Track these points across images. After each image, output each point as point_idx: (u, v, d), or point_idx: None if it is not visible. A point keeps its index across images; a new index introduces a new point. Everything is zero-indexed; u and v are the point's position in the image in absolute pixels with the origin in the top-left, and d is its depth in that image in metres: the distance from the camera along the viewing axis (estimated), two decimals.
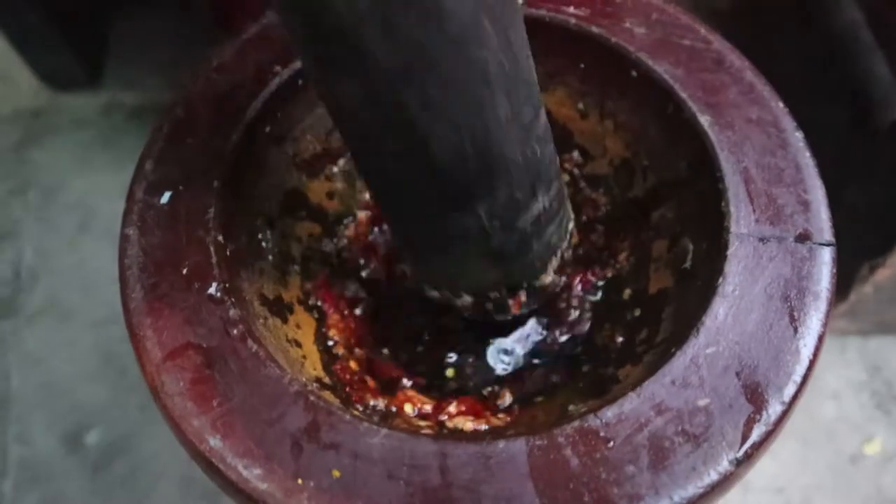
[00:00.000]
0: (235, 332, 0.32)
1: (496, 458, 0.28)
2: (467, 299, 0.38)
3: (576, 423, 0.29)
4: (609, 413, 0.30)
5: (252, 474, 0.28)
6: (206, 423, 0.29)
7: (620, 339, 0.42)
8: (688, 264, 0.39)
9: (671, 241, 0.41)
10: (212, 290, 0.33)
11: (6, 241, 0.81)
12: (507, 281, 0.38)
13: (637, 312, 0.42)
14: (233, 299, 0.33)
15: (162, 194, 0.36)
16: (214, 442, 0.29)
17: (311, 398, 0.30)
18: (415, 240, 0.37)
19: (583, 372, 0.42)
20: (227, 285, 0.33)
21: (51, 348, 0.77)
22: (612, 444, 0.29)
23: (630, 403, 0.30)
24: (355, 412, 0.35)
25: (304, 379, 0.36)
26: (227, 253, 0.35)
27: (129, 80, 0.85)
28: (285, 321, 0.40)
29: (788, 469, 0.64)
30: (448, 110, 0.27)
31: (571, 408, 0.39)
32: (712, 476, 0.28)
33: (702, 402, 0.30)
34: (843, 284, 0.57)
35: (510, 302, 0.39)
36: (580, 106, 0.45)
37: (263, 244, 0.40)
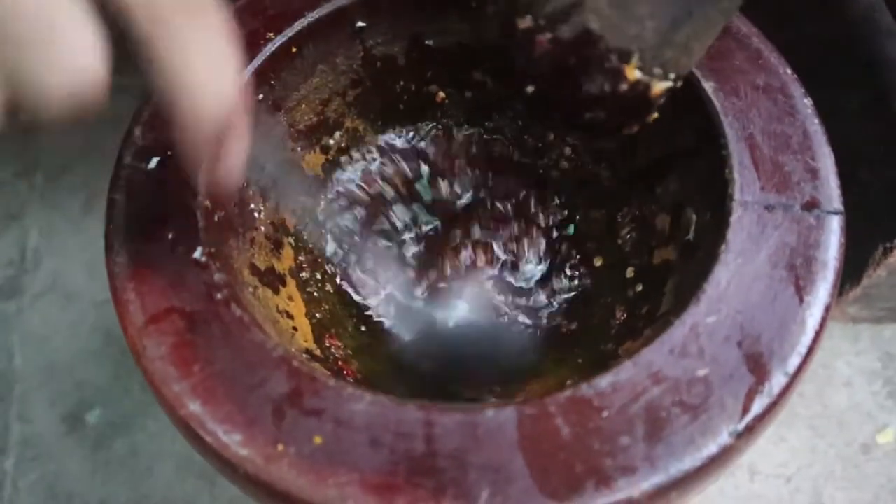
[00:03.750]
0: (219, 296, 0.31)
1: (484, 427, 0.27)
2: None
3: (568, 393, 0.28)
4: (603, 382, 0.28)
5: (232, 440, 0.27)
6: (187, 388, 0.28)
7: (622, 316, 0.40)
8: (691, 236, 0.37)
9: (674, 214, 0.40)
10: (196, 254, 0.32)
11: (12, 222, 0.81)
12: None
13: (639, 288, 0.41)
14: (218, 265, 0.32)
15: (150, 160, 0.35)
16: (194, 407, 0.28)
17: (295, 364, 0.29)
18: None
19: (581, 350, 0.41)
20: (213, 251, 0.32)
21: (54, 328, 0.77)
22: (605, 413, 0.28)
23: (626, 372, 0.29)
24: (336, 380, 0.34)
25: (293, 349, 0.35)
26: (216, 219, 0.35)
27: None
28: (277, 292, 0.39)
29: (798, 457, 0.62)
30: None
31: (569, 383, 0.37)
32: (711, 449, 0.27)
33: (701, 372, 0.29)
34: (856, 269, 0.55)
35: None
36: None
37: (256, 214, 0.40)
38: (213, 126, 0.23)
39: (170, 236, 0.33)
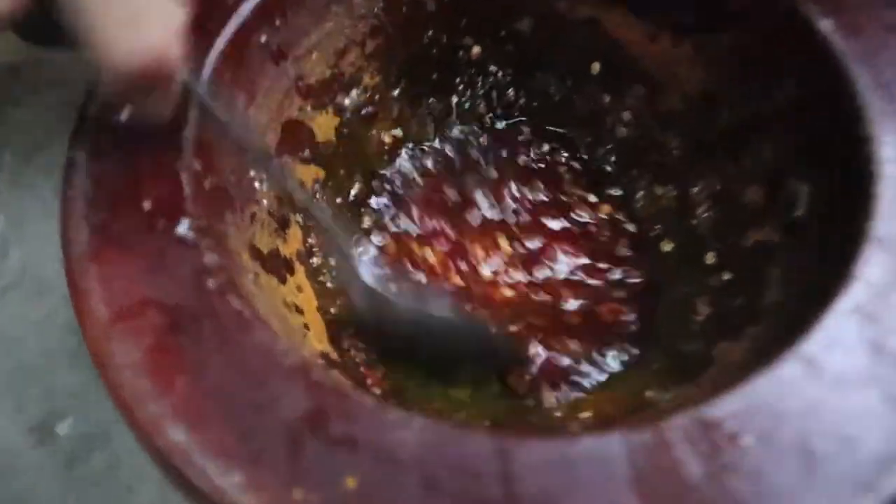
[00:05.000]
0: (212, 283, 0.23)
1: (583, 461, 0.19)
2: None
3: (689, 415, 0.21)
4: (733, 403, 0.21)
5: (229, 482, 0.19)
6: (168, 409, 0.21)
7: (707, 311, 0.33)
8: (800, 211, 0.30)
9: (770, 185, 0.33)
10: (182, 229, 0.24)
11: None
12: None
13: (726, 276, 0.33)
14: (210, 243, 0.24)
15: (123, 109, 0.27)
16: (177, 435, 0.20)
17: (316, 376, 0.21)
18: None
19: (655, 352, 0.34)
20: (203, 225, 0.25)
21: (22, 326, 0.67)
22: (743, 443, 0.20)
23: (759, 390, 0.21)
24: (373, 396, 0.27)
25: (305, 353, 0.27)
26: (206, 186, 0.27)
27: None
28: (283, 281, 0.31)
29: None
30: None
31: (650, 394, 0.30)
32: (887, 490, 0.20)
33: (859, 391, 0.21)
34: None
35: None
36: (648, 26, 0.37)
37: (257, 184, 0.32)
38: (128, 80, 0.23)
39: (146, 206, 0.25)
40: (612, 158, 0.40)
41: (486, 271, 0.37)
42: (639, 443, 0.20)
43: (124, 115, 0.27)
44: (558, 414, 0.31)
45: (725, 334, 0.30)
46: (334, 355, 0.30)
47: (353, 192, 0.38)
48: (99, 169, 0.26)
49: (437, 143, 0.40)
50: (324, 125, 0.37)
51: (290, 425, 0.20)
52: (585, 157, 0.40)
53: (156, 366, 0.22)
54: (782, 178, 0.32)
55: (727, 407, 0.21)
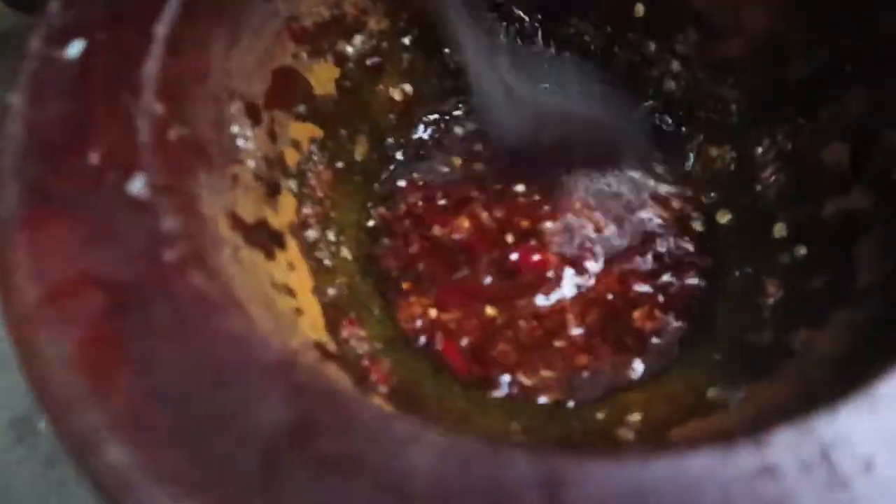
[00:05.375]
0: (170, 256, 0.18)
1: (662, 489, 0.14)
2: None
3: (797, 426, 0.15)
4: (859, 412, 0.16)
5: None
6: (105, 417, 0.16)
7: (778, 293, 0.28)
8: None
9: (858, 141, 0.27)
10: (135, 187, 0.19)
11: None
12: None
13: (802, 251, 0.28)
14: (172, 204, 0.19)
15: (70, 43, 0.22)
16: (116, 453, 0.15)
17: (301, 374, 0.16)
18: None
19: (715, 342, 0.28)
20: (163, 184, 0.20)
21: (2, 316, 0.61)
22: (886, 474, 0.15)
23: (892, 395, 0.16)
24: (378, 398, 0.22)
25: (294, 342, 0.22)
26: (172, 137, 0.22)
27: None
28: (271, 256, 0.26)
29: None
30: None
31: (714, 392, 0.25)
32: None
33: None
34: None
35: None
36: None
37: (240, 141, 0.27)
38: None
39: (93, 159, 0.20)
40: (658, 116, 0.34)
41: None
42: (735, 469, 0.15)
43: (74, 50, 0.22)
44: (600, 416, 0.26)
45: (805, 321, 0.25)
46: (331, 346, 0.25)
47: (357, 156, 0.33)
48: (38, 115, 0.21)
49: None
50: (322, 76, 0.31)
51: (264, 440, 0.15)
52: None
53: (93, 361, 0.17)
54: (875, 133, 0.26)
55: (852, 419, 0.15)
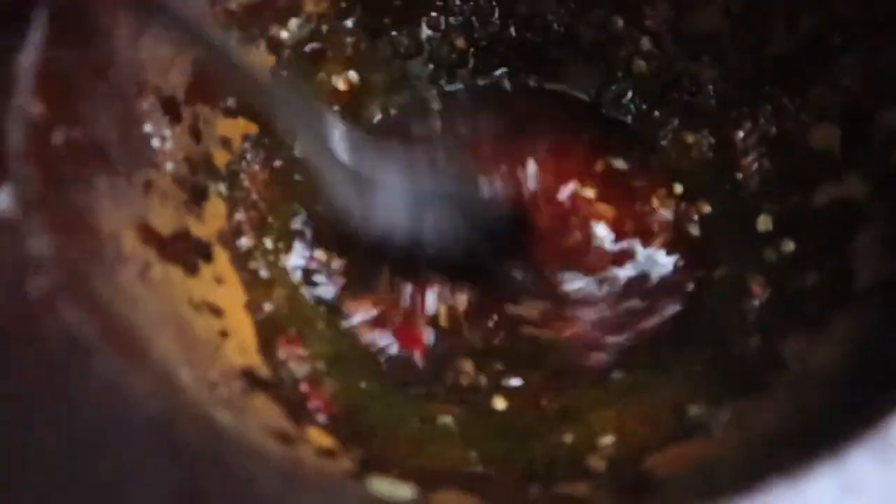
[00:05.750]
0: (37, 286, 0.15)
1: None
2: None
3: (837, 477, 0.13)
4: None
5: None
6: None
7: (764, 293, 0.25)
8: None
9: (851, 122, 0.24)
10: None
11: None
12: None
13: (789, 247, 0.25)
14: (46, 221, 0.16)
15: None
16: None
17: (188, 432, 0.13)
18: None
19: (694, 350, 0.26)
20: (37, 196, 0.16)
21: None
22: None
23: None
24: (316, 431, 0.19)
25: (211, 373, 0.19)
26: (57, 140, 0.18)
27: None
28: (193, 271, 0.23)
29: None
30: None
31: (694, 410, 0.22)
32: None
33: None
34: None
35: None
36: None
37: (155, 142, 0.23)
38: None
39: None
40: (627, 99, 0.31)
41: None
42: None
43: None
44: (568, 439, 0.23)
45: (796, 326, 0.22)
46: (263, 371, 0.22)
47: (297, 153, 0.29)
48: None
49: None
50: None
51: None
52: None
53: None
54: (870, 112, 0.23)
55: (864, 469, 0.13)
